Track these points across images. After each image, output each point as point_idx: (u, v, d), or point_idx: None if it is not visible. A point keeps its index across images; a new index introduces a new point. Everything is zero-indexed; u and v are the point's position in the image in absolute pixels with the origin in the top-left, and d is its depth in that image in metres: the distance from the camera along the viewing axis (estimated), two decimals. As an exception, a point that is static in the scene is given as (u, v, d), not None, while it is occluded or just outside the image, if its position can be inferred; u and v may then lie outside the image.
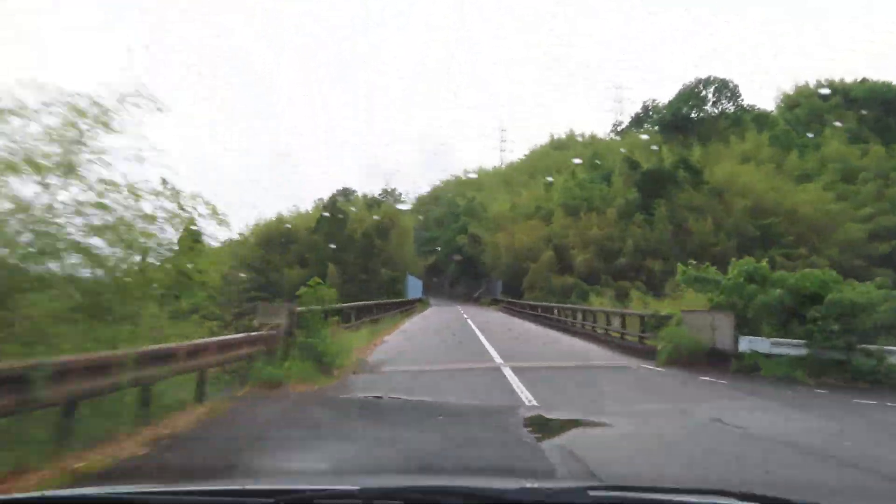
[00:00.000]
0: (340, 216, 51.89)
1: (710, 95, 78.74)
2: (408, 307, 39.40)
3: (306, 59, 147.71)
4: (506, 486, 1.57)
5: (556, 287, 45.90)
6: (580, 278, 47.74)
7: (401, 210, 58.28)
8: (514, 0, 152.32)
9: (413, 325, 28.94)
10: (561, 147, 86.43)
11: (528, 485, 1.61)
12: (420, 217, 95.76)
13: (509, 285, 51.12)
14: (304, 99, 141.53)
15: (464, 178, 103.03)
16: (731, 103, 77.95)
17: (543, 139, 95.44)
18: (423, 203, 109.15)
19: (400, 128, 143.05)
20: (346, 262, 48.26)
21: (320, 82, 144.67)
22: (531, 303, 37.47)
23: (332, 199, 55.60)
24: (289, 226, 53.07)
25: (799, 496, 1.58)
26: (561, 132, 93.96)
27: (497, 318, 35.18)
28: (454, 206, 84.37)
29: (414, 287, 49.03)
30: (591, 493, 1.49)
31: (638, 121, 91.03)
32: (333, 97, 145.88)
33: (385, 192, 59.81)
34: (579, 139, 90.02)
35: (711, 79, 79.14)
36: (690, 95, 78.95)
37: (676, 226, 52.38)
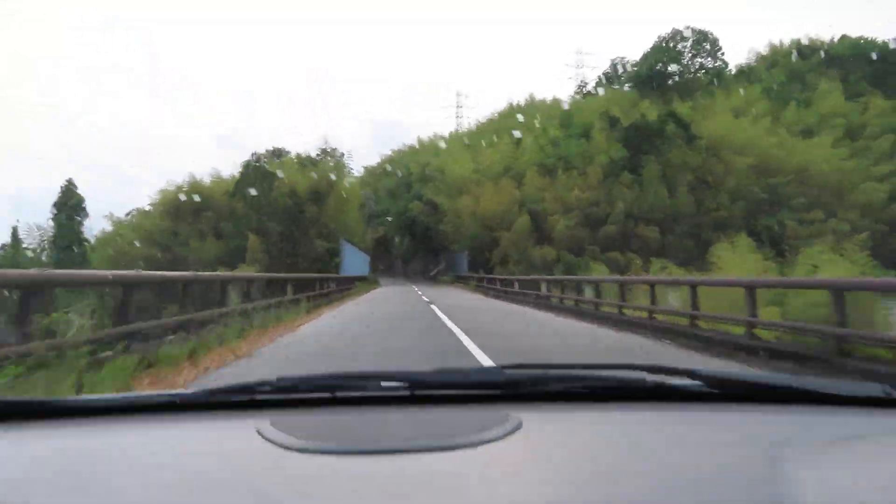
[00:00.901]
0: (266, 177, 41.78)
1: (686, 49, 71.77)
2: (344, 287, 29.90)
3: (253, 29, 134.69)
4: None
5: (535, 259, 37.21)
6: (563, 249, 39.26)
7: (342, 169, 48.25)
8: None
9: (335, 318, 17.51)
10: (521, 112, 77.63)
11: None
12: (369, 191, 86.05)
13: (476, 260, 42.15)
14: (252, 73, 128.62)
15: (417, 146, 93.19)
16: (710, 57, 70.93)
17: (501, 106, 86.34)
18: (372, 175, 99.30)
19: (350, 108, 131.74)
20: (271, 232, 38.31)
21: (267, 59, 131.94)
22: (520, 278, 28.57)
23: (257, 158, 45.23)
24: (197, 197, 42.66)
25: None
26: (520, 99, 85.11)
27: (472, 301, 26.24)
28: (406, 174, 74.88)
29: (354, 261, 39.50)
30: (507, 371, 1.53)
31: (607, 80, 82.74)
32: (278, 74, 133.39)
33: (324, 151, 49.30)
34: (541, 103, 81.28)
35: (689, 30, 72.03)
36: (665, 49, 71.64)
37: (669, 188, 44.43)
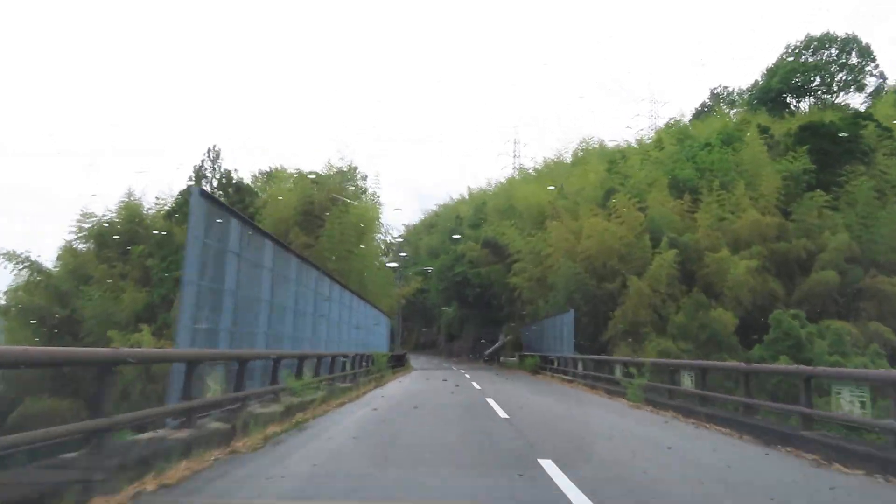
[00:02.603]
0: (237, 192, 25.52)
1: (829, 59, 54.88)
2: (333, 378, 12.65)
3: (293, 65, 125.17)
4: None
5: (719, 330, 19.09)
6: (741, 313, 21.07)
7: (358, 188, 31.59)
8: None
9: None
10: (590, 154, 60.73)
11: None
12: (403, 252, 69.63)
13: (583, 329, 23.88)
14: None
15: (467, 196, 76.99)
16: (852, 73, 53.87)
17: (561, 153, 69.85)
18: (413, 233, 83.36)
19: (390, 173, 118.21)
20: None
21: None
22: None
23: (215, 154, 29.13)
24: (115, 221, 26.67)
25: None
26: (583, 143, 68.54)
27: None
28: (455, 224, 58.24)
29: (362, 324, 21.07)
30: None
31: (701, 112, 65.64)
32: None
33: (332, 168, 32.33)
34: (612, 146, 64.21)
35: (830, 35, 55.34)
36: (800, 62, 54.99)
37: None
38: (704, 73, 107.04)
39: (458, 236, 49.05)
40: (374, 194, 33.87)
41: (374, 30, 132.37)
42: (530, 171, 58.82)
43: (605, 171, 36.94)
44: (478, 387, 16.66)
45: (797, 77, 51.77)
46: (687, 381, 10.07)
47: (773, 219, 24.94)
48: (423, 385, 17.78)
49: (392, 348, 39.48)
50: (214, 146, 30.60)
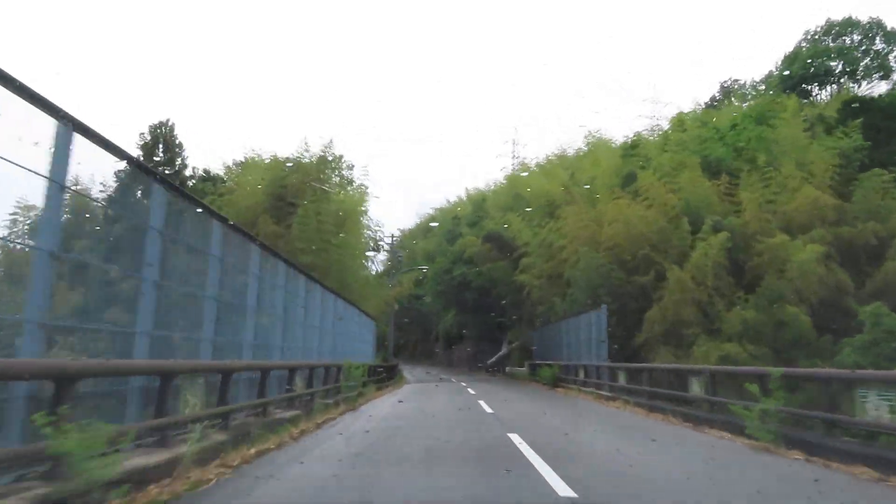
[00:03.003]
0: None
1: (854, 43, 51.41)
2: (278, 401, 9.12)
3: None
4: None
5: (776, 330, 14.97)
6: (804, 309, 17.05)
7: (344, 179, 27.51)
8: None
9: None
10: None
11: None
12: (398, 253, 65.72)
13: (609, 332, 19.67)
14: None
15: (465, 198, 72.84)
16: (891, 50, 50.38)
17: (564, 148, 65.48)
18: (409, 237, 79.28)
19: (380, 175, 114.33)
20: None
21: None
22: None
23: (168, 130, 25.01)
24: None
25: None
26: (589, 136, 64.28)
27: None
28: (454, 224, 54.18)
29: (336, 325, 16.53)
30: None
31: (711, 106, 62.20)
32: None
33: (308, 151, 27.89)
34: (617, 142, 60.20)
35: (853, 20, 51.87)
36: (817, 49, 51.57)
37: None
38: (704, 72, 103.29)
39: (456, 237, 45.08)
40: (362, 185, 29.89)
41: (374, 30, 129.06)
42: (532, 166, 54.89)
43: (619, 158, 33.07)
44: (489, 409, 12.49)
45: (819, 62, 48.17)
46: (874, 407, 6.00)
47: (832, 199, 20.97)
48: (414, 407, 13.49)
49: (385, 357, 35.32)
50: (167, 120, 26.52)
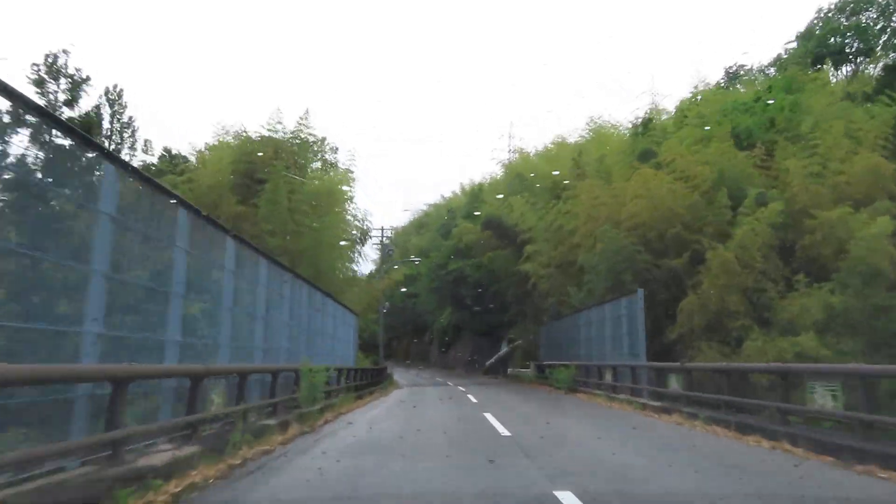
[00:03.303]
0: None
1: (871, 20, 48.60)
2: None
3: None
4: None
5: (874, 319, 11.78)
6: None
7: (327, 163, 24.33)
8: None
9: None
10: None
11: None
12: (388, 248, 62.24)
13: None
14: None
15: (460, 192, 69.47)
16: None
17: (565, 136, 61.95)
18: (402, 235, 75.90)
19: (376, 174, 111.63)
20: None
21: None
22: None
23: (117, 95, 21.74)
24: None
25: None
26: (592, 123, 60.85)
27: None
28: (448, 219, 51.01)
29: (292, 316, 12.36)
30: None
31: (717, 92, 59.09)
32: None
33: (276, 125, 24.12)
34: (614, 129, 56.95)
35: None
36: (835, 25, 48.78)
37: None
38: (705, 72, 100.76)
39: (451, 230, 41.96)
40: (347, 171, 26.64)
41: (374, 30, 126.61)
42: (531, 155, 51.66)
43: (628, 139, 30.06)
44: (503, 430, 9.14)
45: (836, 39, 45.32)
46: None
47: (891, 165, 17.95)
48: (398, 427, 10.00)
49: (375, 360, 32.16)
50: (115, 86, 23.22)
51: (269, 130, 22.04)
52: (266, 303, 10.93)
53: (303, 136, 23.73)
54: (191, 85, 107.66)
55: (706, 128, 21.48)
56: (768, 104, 25.01)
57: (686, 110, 30.27)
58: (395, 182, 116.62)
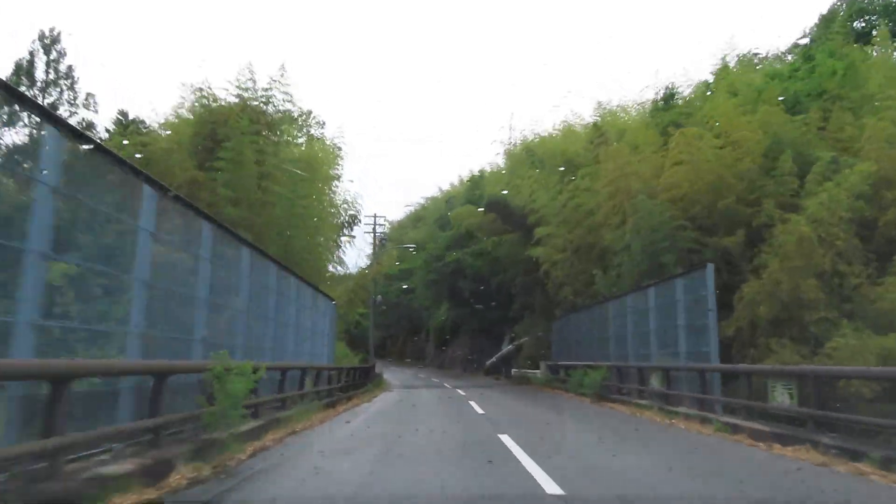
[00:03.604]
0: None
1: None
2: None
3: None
4: None
5: None
6: None
7: (312, 138, 21.13)
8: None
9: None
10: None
11: None
12: (381, 236, 59.01)
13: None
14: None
15: (458, 185, 66.00)
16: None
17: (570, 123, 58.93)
18: (399, 229, 72.64)
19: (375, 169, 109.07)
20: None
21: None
22: None
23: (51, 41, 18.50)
24: None
25: None
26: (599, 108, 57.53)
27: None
28: (447, 207, 47.87)
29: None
30: None
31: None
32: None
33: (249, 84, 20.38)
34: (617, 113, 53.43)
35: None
36: (861, 6, 45.76)
37: None
38: (705, 72, 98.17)
39: (448, 222, 38.85)
40: (334, 145, 23.38)
41: (374, 31, 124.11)
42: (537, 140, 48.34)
43: (647, 116, 26.94)
44: (539, 474, 5.48)
45: (865, 20, 42.27)
46: None
47: None
48: (366, 472, 5.93)
49: (364, 358, 29.01)
50: (52, 29, 20.04)
51: (238, 89, 18.78)
52: (210, 286, 7.70)
53: (278, 99, 20.30)
54: (184, 83, 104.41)
55: (757, 88, 18.31)
56: (814, 69, 21.97)
57: (714, 84, 27.27)
58: (395, 182, 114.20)
